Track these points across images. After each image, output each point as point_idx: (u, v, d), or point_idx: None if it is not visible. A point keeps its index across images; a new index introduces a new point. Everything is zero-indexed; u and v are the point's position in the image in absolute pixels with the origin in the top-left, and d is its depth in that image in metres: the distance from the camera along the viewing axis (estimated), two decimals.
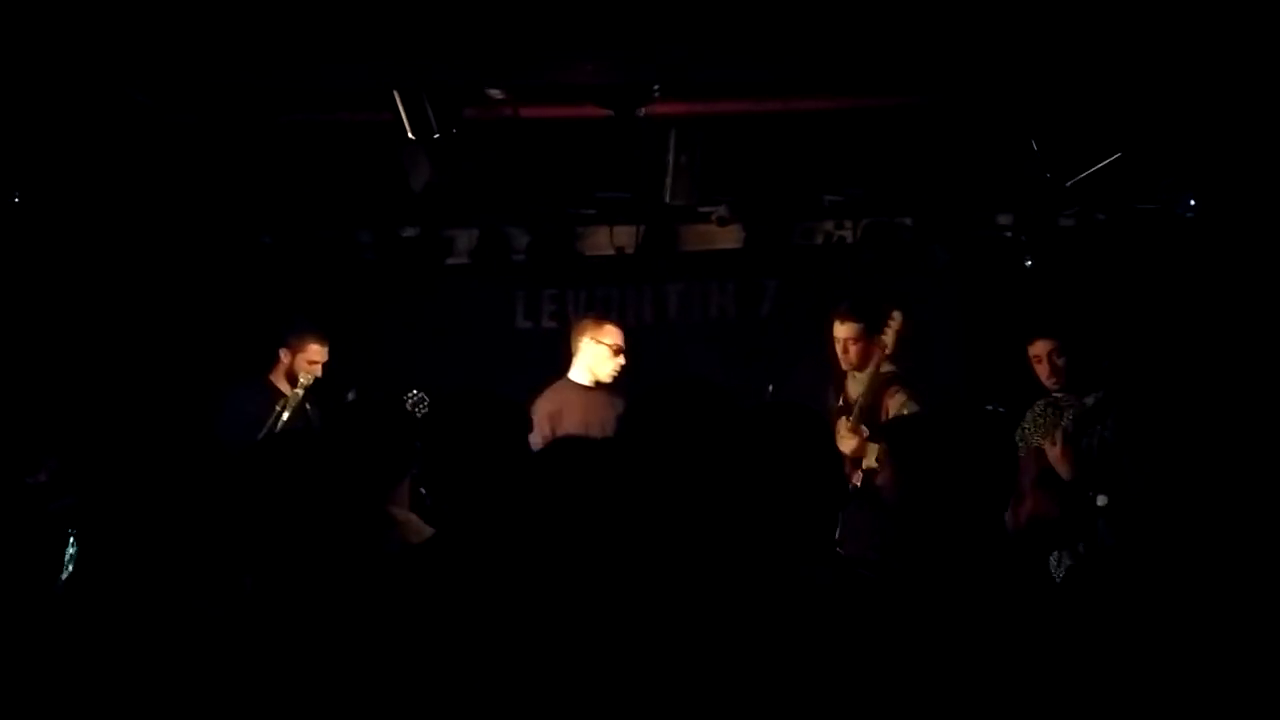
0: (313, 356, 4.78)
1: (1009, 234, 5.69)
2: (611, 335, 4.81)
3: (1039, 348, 4.38)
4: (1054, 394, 4.45)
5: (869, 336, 4.75)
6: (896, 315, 4.71)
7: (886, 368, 4.75)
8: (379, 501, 2.74)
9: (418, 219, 5.88)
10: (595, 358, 4.78)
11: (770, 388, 5.19)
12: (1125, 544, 3.57)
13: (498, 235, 5.96)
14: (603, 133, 5.08)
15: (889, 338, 4.70)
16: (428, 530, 2.88)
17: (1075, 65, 4.23)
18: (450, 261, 6.02)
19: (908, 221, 5.77)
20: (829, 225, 5.89)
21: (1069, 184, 4.21)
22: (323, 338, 4.84)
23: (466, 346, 5.96)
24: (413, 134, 3.81)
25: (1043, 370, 4.38)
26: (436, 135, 3.81)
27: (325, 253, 5.79)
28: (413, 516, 2.88)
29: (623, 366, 4.80)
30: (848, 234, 5.85)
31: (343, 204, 5.67)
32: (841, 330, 4.78)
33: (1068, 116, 4.22)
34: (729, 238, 5.95)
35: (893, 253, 5.71)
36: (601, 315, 5.14)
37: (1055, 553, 4.27)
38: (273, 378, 4.87)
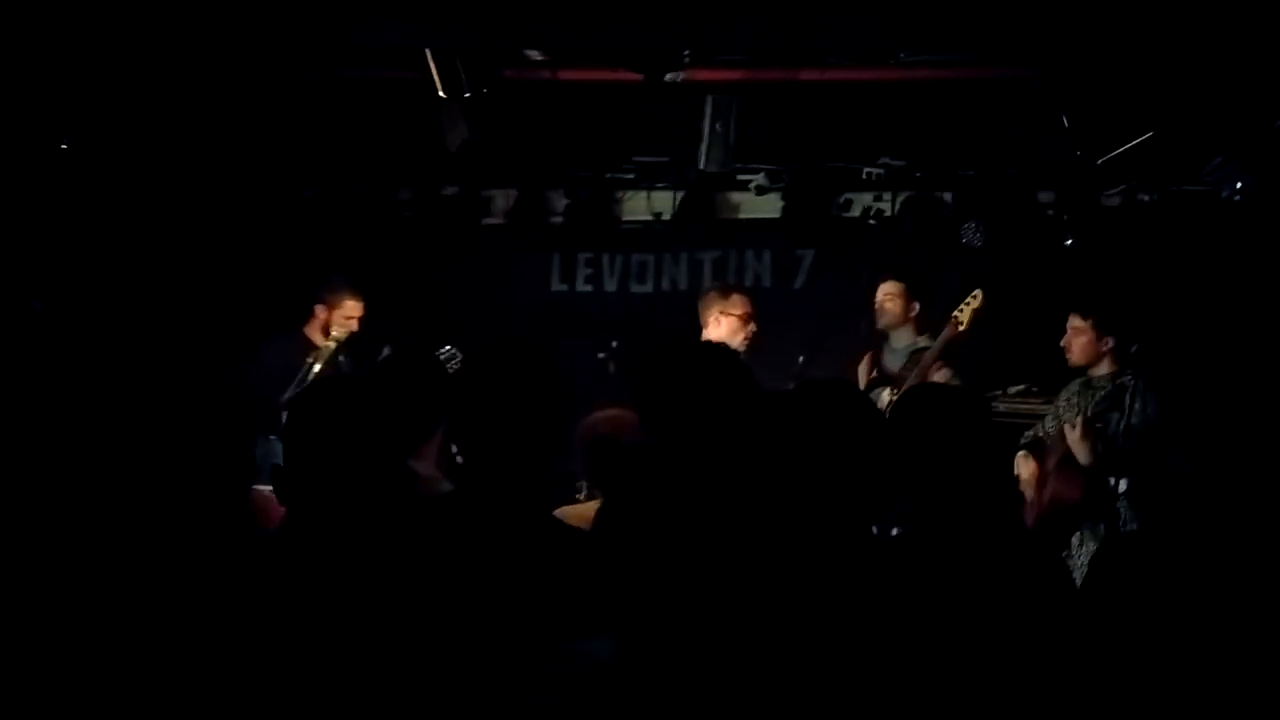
0: (348, 312, 4.85)
1: (1050, 212, 5.60)
2: (739, 304, 4.79)
3: (1072, 323, 4.37)
4: (1089, 374, 4.42)
5: (909, 298, 4.80)
6: (978, 294, 4.69)
7: (924, 343, 4.74)
8: (402, 455, 2.77)
9: (457, 178, 5.92)
10: (728, 329, 4.73)
11: (801, 359, 5.19)
12: (1154, 529, 3.54)
13: (535, 197, 5.98)
14: (641, 97, 5.07)
15: (965, 315, 4.68)
16: (446, 487, 2.92)
17: (1124, 43, 4.15)
18: (487, 222, 6.05)
19: (947, 197, 5.71)
20: (868, 197, 5.83)
21: (1100, 162, 4.14)
22: (358, 294, 4.90)
23: (500, 307, 6.00)
24: (444, 93, 3.82)
25: (1069, 347, 4.37)
26: (467, 95, 3.82)
27: (364, 209, 5.84)
28: (436, 473, 2.92)
29: (755, 333, 4.78)
30: (886, 207, 5.80)
31: (383, 161, 5.72)
32: (883, 288, 4.86)
33: (1104, 94, 4.14)
34: (767, 206, 5.92)
35: (931, 227, 5.65)
36: (726, 285, 5.10)
37: (1077, 534, 4.26)
38: (308, 331, 4.95)
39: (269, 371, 4.54)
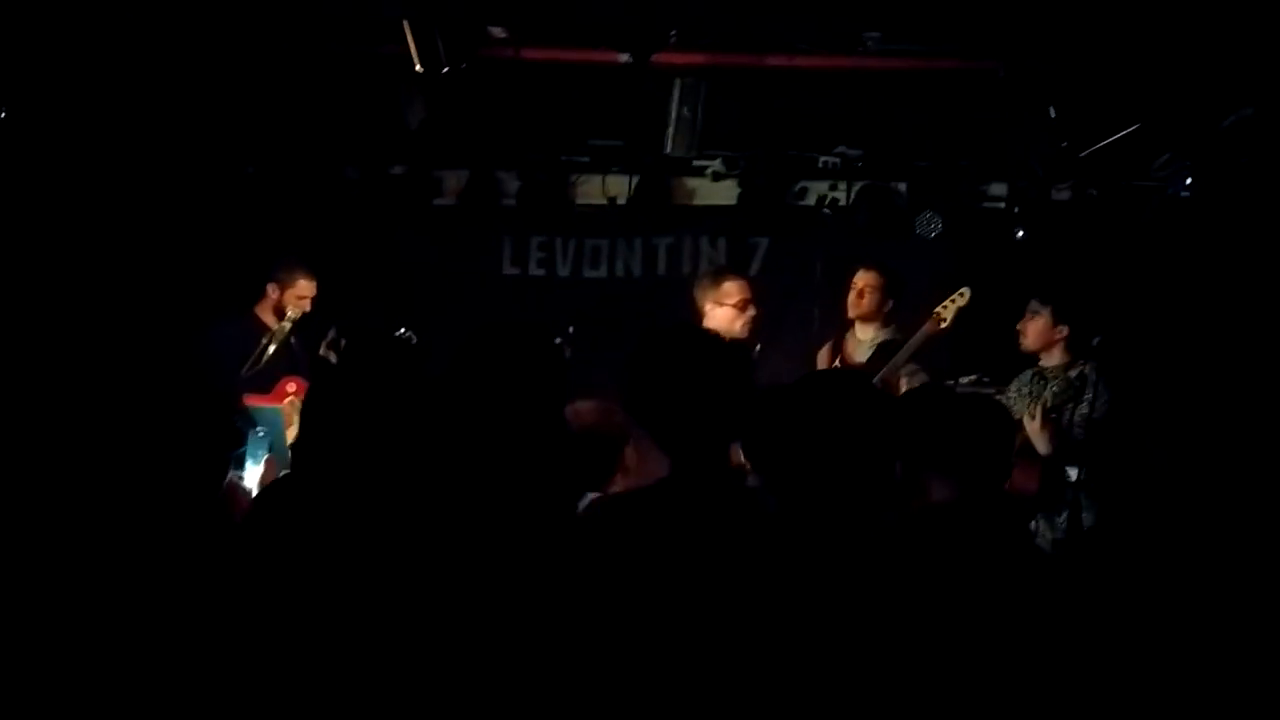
0: (301, 292, 4.71)
1: (1002, 205, 5.69)
2: (733, 291, 4.54)
3: (1030, 308, 4.43)
4: (1040, 365, 4.49)
5: (886, 291, 4.76)
6: (965, 292, 4.63)
7: (890, 335, 4.74)
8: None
9: (407, 157, 5.78)
10: (723, 318, 4.47)
11: (757, 347, 5.18)
12: (1113, 519, 3.61)
13: (488, 178, 5.87)
14: (600, 79, 5.00)
15: (949, 312, 4.63)
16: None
17: (1080, 40, 4.22)
18: (438, 202, 5.93)
19: (901, 187, 5.75)
20: (823, 186, 5.85)
21: (1083, 155, 4.20)
22: (312, 273, 4.75)
23: (452, 289, 5.89)
24: (421, 67, 3.71)
25: (1023, 331, 4.43)
26: (446, 70, 3.71)
27: (310, 186, 5.67)
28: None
29: (754, 317, 4.55)
30: (841, 196, 5.82)
31: (331, 138, 5.55)
32: (864, 277, 4.78)
33: (1084, 88, 4.20)
34: (722, 193, 5.90)
35: (886, 218, 5.69)
36: (718, 271, 4.79)
37: (1034, 522, 4.32)
38: (259, 311, 4.80)
39: (219, 352, 4.38)
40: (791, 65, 4.59)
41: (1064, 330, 4.42)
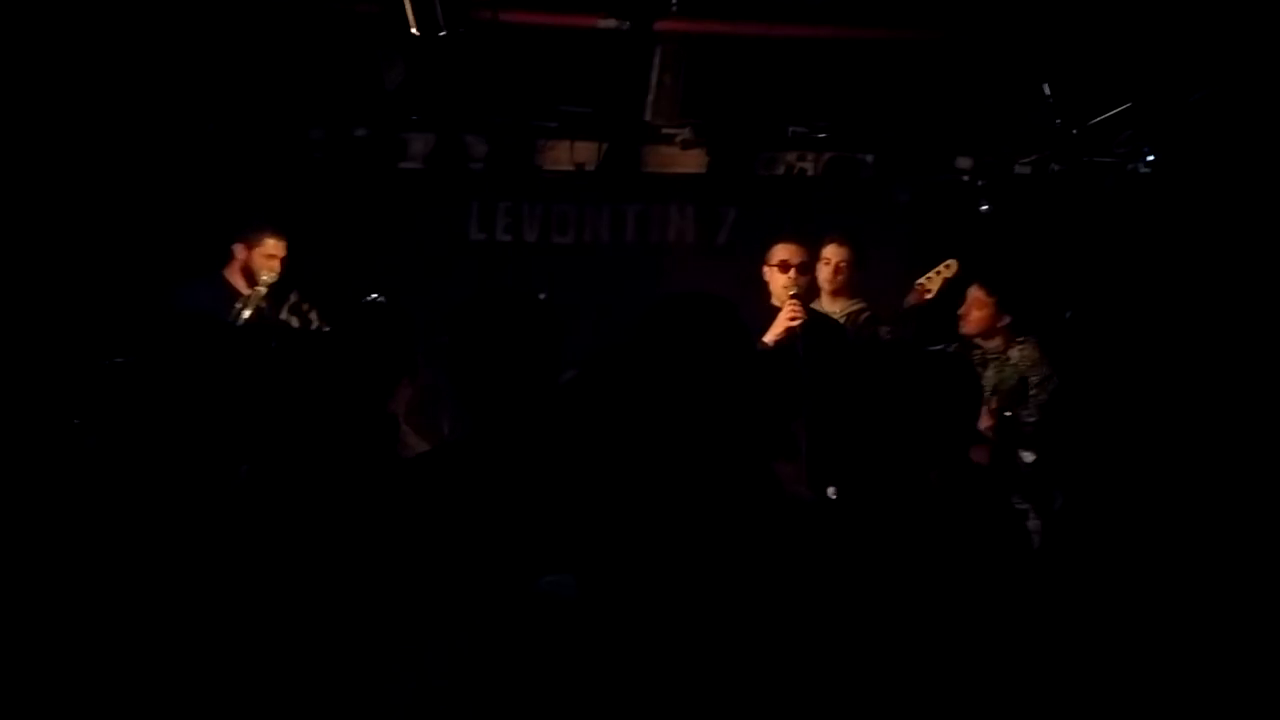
0: (269, 251, 4.60)
1: (966, 178, 5.78)
2: (779, 253, 4.52)
3: (974, 294, 4.50)
4: (976, 341, 4.57)
5: (859, 266, 4.76)
6: (952, 264, 4.66)
7: (859, 306, 4.79)
8: (379, 404, 2.68)
9: (372, 120, 5.68)
10: (772, 282, 4.50)
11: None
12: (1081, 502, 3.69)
13: (455, 142, 5.80)
14: (571, 44, 4.96)
15: (935, 284, 4.66)
16: (422, 446, 2.84)
17: (1051, 17, 4.29)
18: (404, 166, 5.85)
19: (869, 159, 5.81)
20: (791, 157, 5.88)
21: (1076, 131, 4.29)
22: (280, 233, 4.65)
23: (418, 255, 5.83)
24: (418, 30, 3.64)
25: (966, 316, 4.49)
26: (443, 34, 3.65)
27: (273, 147, 5.55)
28: (408, 430, 2.84)
29: (801, 281, 4.49)
30: (810, 167, 5.86)
31: (298, 97, 5.43)
32: (836, 252, 4.75)
33: (1081, 64, 4.27)
34: (691, 162, 5.90)
35: (853, 189, 5.75)
36: (779, 236, 4.69)
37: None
38: (228, 274, 4.70)
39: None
40: (770, 34, 4.59)
41: (1006, 319, 4.50)
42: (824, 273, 4.77)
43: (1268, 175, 4.59)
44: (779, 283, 4.50)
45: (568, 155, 5.88)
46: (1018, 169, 5.68)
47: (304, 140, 5.65)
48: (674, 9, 4.18)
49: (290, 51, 5.05)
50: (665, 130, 5.71)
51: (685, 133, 5.81)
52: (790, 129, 5.78)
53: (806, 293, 4.59)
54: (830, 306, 4.91)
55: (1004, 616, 2.21)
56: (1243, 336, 4.32)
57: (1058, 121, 4.38)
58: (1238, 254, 4.69)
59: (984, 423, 4.29)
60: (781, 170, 5.92)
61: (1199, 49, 4.55)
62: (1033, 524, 4.13)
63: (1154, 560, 2.34)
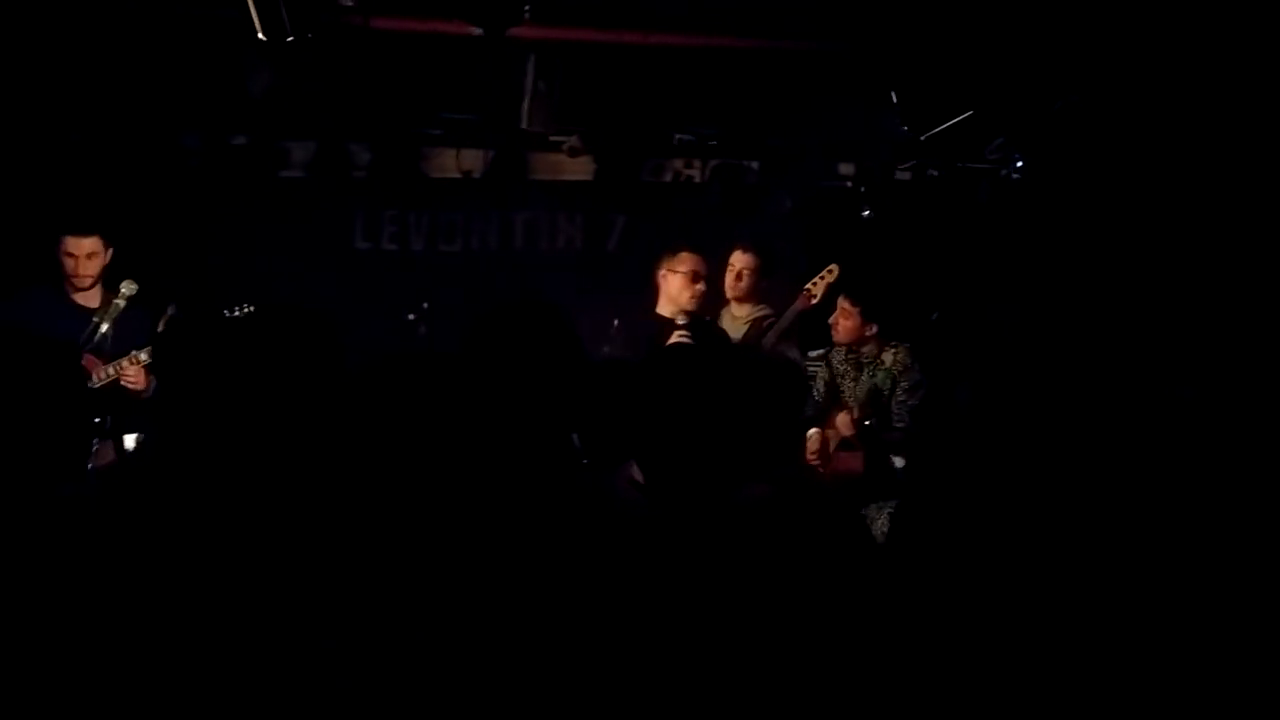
0: (67, 249, 4.26)
1: (849, 184, 5.87)
2: (685, 262, 4.56)
3: (841, 305, 4.56)
4: (851, 346, 4.64)
5: (764, 274, 4.79)
6: (834, 269, 4.70)
7: (763, 312, 4.81)
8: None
9: (250, 127, 5.56)
10: (673, 287, 4.54)
11: (615, 322, 5.22)
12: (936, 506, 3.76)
13: (338, 150, 5.71)
14: (453, 51, 4.92)
15: (819, 289, 4.69)
16: None
17: (923, 28, 4.38)
18: (284, 174, 5.73)
19: (754, 165, 5.87)
20: (678, 163, 5.91)
21: (924, 138, 4.38)
22: (82, 229, 4.29)
23: (301, 265, 5.71)
24: (264, 35, 3.56)
25: (835, 326, 4.57)
26: (290, 39, 3.58)
27: (144, 156, 5.38)
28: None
29: (703, 292, 4.56)
30: (696, 174, 5.90)
31: (169, 104, 5.28)
32: (742, 259, 4.78)
33: (927, 72, 4.37)
34: (579, 169, 5.90)
35: (739, 195, 5.80)
36: (680, 242, 4.74)
37: (871, 507, 4.44)
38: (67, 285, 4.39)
39: (25, 320, 3.97)
40: (646, 43, 4.61)
41: (873, 327, 4.57)
42: (728, 279, 4.80)
43: (1133, 177, 4.76)
44: (686, 293, 4.53)
45: (454, 162, 5.83)
46: (898, 175, 5.79)
47: (178, 148, 5.50)
48: (527, 15, 4.16)
49: (160, 59, 4.91)
50: (553, 138, 5.70)
51: (573, 140, 5.80)
52: (676, 136, 5.81)
53: (706, 301, 4.65)
54: (736, 312, 4.92)
55: (829, 623, 2.22)
56: (1113, 336, 4.46)
57: (904, 129, 4.47)
58: (1107, 255, 4.85)
59: (847, 431, 4.37)
60: (669, 177, 5.95)
61: (1064, 56, 4.69)
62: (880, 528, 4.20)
63: (1004, 559, 2.38)
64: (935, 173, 5.72)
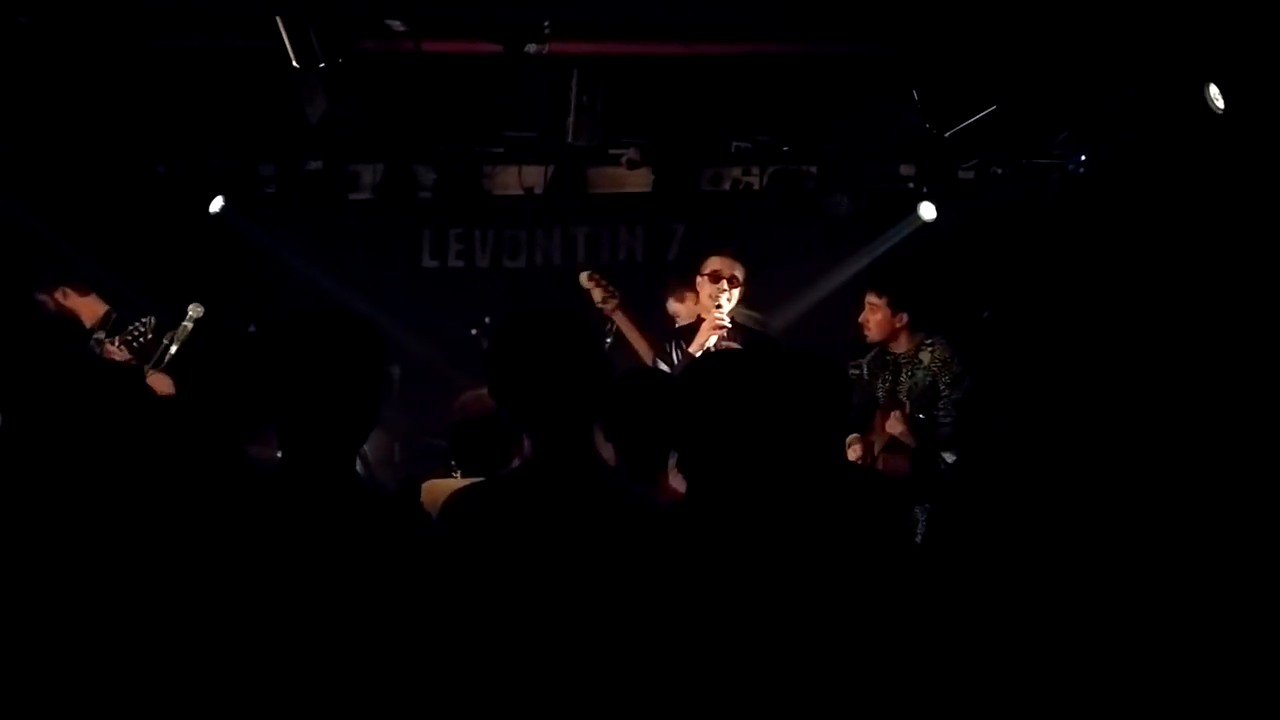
0: (65, 302, 4.63)
1: (910, 185, 5.78)
2: (711, 264, 4.36)
3: (868, 300, 4.49)
4: (888, 348, 4.53)
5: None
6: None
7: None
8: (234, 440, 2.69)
9: (321, 152, 5.77)
10: (703, 293, 4.36)
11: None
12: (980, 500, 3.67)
13: (404, 171, 5.88)
14: (508, 70, 5.01)
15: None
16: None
17: (973, 21, 4.29)
18: (354, 197, 5.93)
19: (813, 170, 5.83)
20: (736, 171, 5.91)
21: (947, 135, 4.29)
22: (74, 288, 4.63)
23: (370, 283, 5.90)
24: (297, 63, 3.71)
25: (866, 324, 4.48)
26: (322, 65, 3.72)
27: (223, 184, 5.65)
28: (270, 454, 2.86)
29: (729, 295, 4.33)
30: (755, 180, 5.89)
31: (245, 134, 5.53)
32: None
33: (953, 70, 4.28)
34: (638, 181, 5.94)
35: (798, 200, 5.77)
36: (713, 249, 4.51)
37: (917, 509, 4.35)
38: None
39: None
40: (690, 53, 4.62)
41: (904, 318, 4.47)
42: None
43: (1192, 173, 4.57)
44: (706, 292, 4.49)
45: (515, 180, 5.94)
46: (960, 174, 5.67)
47: (254, 175, 5.75)
48: (547, 32, 4.21)
49: (229, 93, 5.14)
50: (611, 151, 5.76)
51: (631, 152, 5.85)
52: (734, 144, 5.80)
53: (745, 303, 4.51)
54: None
55: (869, 615, 2.20)
56: (1166, 335, 4.28)
57: (927, 127, 4.36)
58: (1166, 253, 4.66)
59: (898, 428, 4.28)
60: (727, 185, 5.95)
61: (1122, 51, 4.53)
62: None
63: (1061, 553, 2.33)
64: (1000, 170, 5.59)
